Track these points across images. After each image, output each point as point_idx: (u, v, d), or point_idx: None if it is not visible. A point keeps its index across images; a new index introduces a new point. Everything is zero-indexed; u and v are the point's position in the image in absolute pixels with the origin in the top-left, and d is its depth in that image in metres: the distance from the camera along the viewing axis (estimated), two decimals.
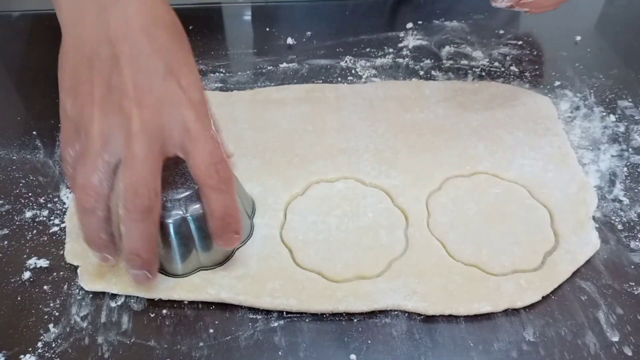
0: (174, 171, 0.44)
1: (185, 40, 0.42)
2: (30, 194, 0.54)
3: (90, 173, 0.39)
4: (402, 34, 0.73)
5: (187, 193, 0.44)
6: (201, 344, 0.44)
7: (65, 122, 0.41)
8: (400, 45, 0.72)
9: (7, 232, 0.51)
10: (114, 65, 0.39)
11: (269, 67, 0.69)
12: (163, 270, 0.47)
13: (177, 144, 0.40)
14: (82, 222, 0.41)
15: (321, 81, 0.67)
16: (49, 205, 0.54)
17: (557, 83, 0.67)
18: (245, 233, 0.49)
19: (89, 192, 0.39)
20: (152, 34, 0.40)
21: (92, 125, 0.39)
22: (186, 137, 0.40)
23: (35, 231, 0.51)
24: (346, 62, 0.69)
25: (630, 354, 0.43)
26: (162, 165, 0.40)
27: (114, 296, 0.47)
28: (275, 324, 0.45)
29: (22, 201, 0.54)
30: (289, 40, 0.73)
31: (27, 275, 0.48)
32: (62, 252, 0.49)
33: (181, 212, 0.43)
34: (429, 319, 0.46)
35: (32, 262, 0.49)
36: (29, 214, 0.53)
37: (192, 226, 0.44)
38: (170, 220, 0.43)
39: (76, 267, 0.48)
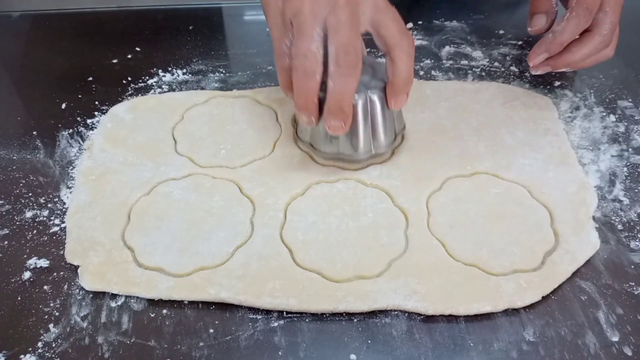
0: None
1: None
2: (30, 194, 0.54)
3: (309, 43, 0.47)
4: None
5: (365, 78, 0.51)
6: (201, 343, 0.44)
7: (275, 20, 0.51)
8: None
9: (7, 232, 0.51)
10: None
11: (269, 67, 0.69)
12: (344, 160, 0.55)
13: (368, 19, 0.48)
14: (299, 89, 0.49)
15: None
16: (49, 205, 0.54)
17: (557, 83, 0.67)
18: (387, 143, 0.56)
19: (310, 58, 0.47)
20: None
21: (304, 6, 0.47)
22: (376, 11, 0.48)
23: (35, 231, 0.51)
24: None
25: (630, 354, 0.43)
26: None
27: (114, 296, 0.47)
28: (276, 324, 0.45)
29: (23, 201, 0.54)
30: None
31: (27, 275, 0.48)
32: (62, 252, 0.50)
33: (364, 91, 0.51)
34: (429, 319, 0.46)
35: (32, 262, 0.49)
36: (29, 214, 0.53)
37: (375, 105, 0.52)
38: (356, 98, 0.51)
39: (76, 267, 0.48)
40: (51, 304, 0.46)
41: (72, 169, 0.57)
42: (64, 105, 0.64)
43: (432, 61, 0.69)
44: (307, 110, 0.50)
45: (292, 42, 0.48)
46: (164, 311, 0.46)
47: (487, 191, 0.54)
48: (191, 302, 0.47)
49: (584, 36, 0.55)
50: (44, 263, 0.49)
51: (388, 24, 0.48)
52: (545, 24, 0.57)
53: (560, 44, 0.55)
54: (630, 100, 0.65)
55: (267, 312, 0.46)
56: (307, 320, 0.46)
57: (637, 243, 0.51)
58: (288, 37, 0.49)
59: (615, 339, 0.44)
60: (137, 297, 0.47)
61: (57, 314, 0.46)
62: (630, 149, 0.59)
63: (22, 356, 0.43)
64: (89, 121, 0.62)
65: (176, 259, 0.48)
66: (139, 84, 0.66)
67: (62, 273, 0.48)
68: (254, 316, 0.46)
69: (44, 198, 0.54)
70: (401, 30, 0.49)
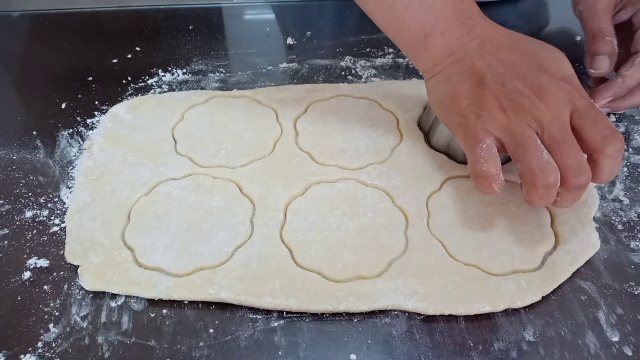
0: None
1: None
2: (30, 194, 0.54)
3: (540, 154, 0.45)
4: None
5: None
6: (201, 343, 0.44)
7: (467, 135, 0.48)
8: None
9: (7, 232, 0.51)
10: (500, 81, 0.48)
11: (269, 67, 0.69)
12: None
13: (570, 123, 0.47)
14: (540, 198, 0.46)
15: (321, 81, 0.67)
16: (49, 205, 0.54)
17: None
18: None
19: (547, 167, 0.45)
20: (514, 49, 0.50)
21: (512, 124, 0.46)
22: (575, 116, 0.46)
23: (35, 231, 0.51)
24: (346, 62, 0.69)
25: (630, 353, 0.43)
26: None
27: (114, 296, 0.47)
28: (276, 324, 0.45)
29: (22, 201, 0.54)
30: (289, 40, 0.73)
31: (27, 275, 0.48)
32: (62, 251, 0.49)
33: None
34: (429, 319, 0.46)
35: (32, 262, 0.49)
36: (29, 214, 0.53)
37: None
38: None
39: (76, 267, 0.48)
40: (51, 304, 0.46)
41: (72, 169, 0.57)
42: (64, 105, 0.64)
43: None
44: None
45: (519, 156, 0.46)
46: (164, 311, 0.46)
47: None
48: (191, 302, 0.47)
49: None
50: (44, 263, 0.49)
51: (589, 129, 0.46)
52: (609, 67, 0.56)
53: (628, 88, 0.54)
54: None
55: (267, 312, 0.46)
56: (307, 320, 0.46)
57: (637, 243, 0.51)
58: (484, 142, 0.47)
59: (615, 339, 0.44)
60: (137, 297, 0.47)
61: (57, 314, 0.46)
62: (630, 149, 0.59)
63: (22, 356, 0.43)
64: (89, 121, 0.62)
65: (176, 259, 0.48)
66: (139, 84, 0.66)
67: (62, 273, 0.48)
68: (254, 316, 0.46)
69: (44, 198, 0.54)
70: (603, 135, 0.45)
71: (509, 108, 0.47)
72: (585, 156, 0.46)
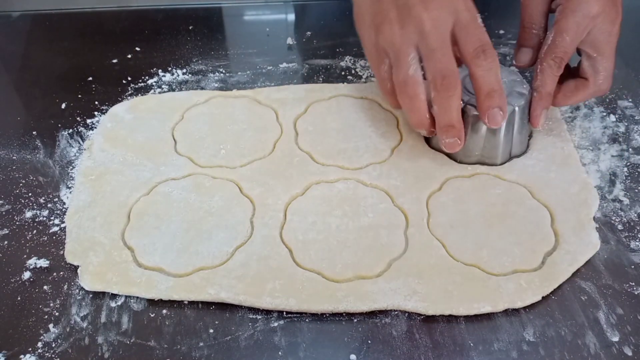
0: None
1: None
2: (30, 194, 0.54)
3: (406, 70, 0.51)
4: None
5: (516, 91, 0.54)
6: (201, 344, 0.44)
7: (371, 51, 0.54)
8: None
9: (7, 232, 0.51)
10: None
11: (269, 67, 0.69)
12: (484, 163, 0.56)
13: (450, 35, 0.50)
14: (409, 110, 0.53)
15: (321, 81, 0.67)
16: (49, 205, 0.54)
17: None
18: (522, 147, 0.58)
19: (410, 83, 0.51)
20: None
21: (395, 37, 0.51)
22: (457, 26, 0.50)
23: (35, 231, 0.51)
24: (346, 62, 0.69)
25: (630, 354, 0.43)
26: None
27: (114, 296, 0.47)
28: (275, 324, 0.45)
29: (22, 201, 0.54)
30: (289, 40, 0.73)
31: (27, 275, 0.48)
32: (62, 252, 0.49)
33: (511, 105, 0.53)
34: (429, 319, 0.46)
35: (32, 262, 0.49)
36: (29, 214, 0.53)
37: (516, 117, 0.54)
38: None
39: (76, 267, 0.48)
40: (51, 304, 0.46)
41: (72, 169, 0.57)
42: (64, 105, 0.64)
43: None
44: (422, 126, 0.53)
45: (393, 69, 0.52)
46: (164, 311, 0.46)
47: (488, 191, 0.54)
48: (191, 302, 0.47)
49: (579, 83, 0.56)
50: (44, 263, 0.49)
51: (464, 41, 0.50)
52: (529, 61, 0.58)
53: (549, 95, 0.55)
54: (630, 100, 0.64)
55: (267, 312, 0.46)
56: (307, 320, 0.46)
57: (637, 243, 0.51)
58: (384, 63, 0.53)
59: (615, 339, 0.44)
60: (137, 297, 0.47)
61: (57, 314, 0.46)
62: (630, 149, 0.59)
63: (22, 356, 0.43)
64: (88, 121, 0.62)
65: (176, 259, 0.48)
66: (139, 84, 0.66)
67: (62, 273, 0.48)
68: (254, 316, 0.46)
69: (44, 198, 0.54)
70: (476, 47, 0.50)
71: (396, 22, 0.51)
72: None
